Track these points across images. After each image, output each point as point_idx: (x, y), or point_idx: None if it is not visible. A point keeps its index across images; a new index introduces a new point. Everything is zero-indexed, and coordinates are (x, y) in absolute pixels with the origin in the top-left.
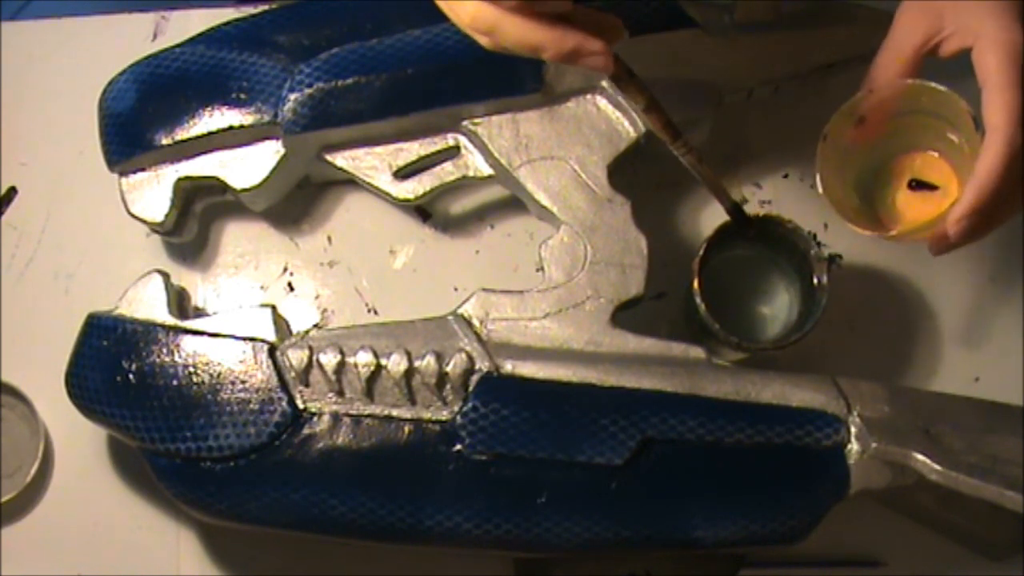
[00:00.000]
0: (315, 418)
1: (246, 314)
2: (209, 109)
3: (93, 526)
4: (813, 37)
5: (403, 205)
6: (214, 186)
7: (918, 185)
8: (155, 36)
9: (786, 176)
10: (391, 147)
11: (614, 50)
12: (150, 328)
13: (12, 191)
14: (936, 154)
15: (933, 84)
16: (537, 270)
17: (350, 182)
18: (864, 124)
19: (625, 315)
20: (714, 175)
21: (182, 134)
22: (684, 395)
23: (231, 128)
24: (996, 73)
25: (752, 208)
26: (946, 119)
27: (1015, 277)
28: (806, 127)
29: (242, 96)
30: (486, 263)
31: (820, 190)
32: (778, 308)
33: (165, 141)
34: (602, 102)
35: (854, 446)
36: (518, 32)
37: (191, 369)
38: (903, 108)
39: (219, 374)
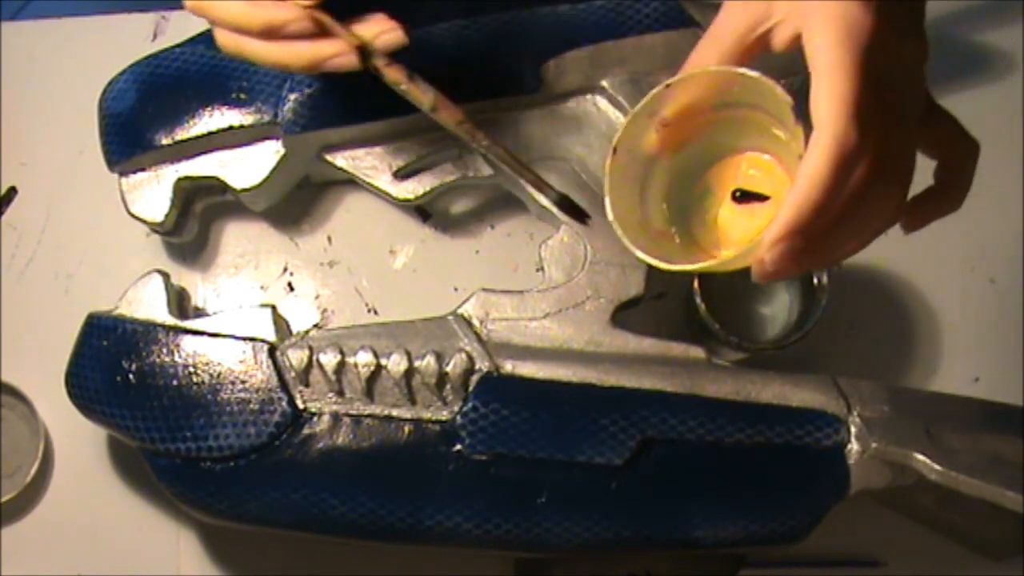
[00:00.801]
0: (315, 418)
1: (246, 314)
2: (209, 109)
3: (93, 526)
4: None
5: (403, 205)
6: (214, 186)
7: (743, 196)
8: (155, 36)
9: None
10: (391, 147)
11: (394, 53)
12: (150, 328)
13: (12, 191)
14: (766, 156)
15: (741, 70)
16: (537, 270)
17: (350, 182)
18: (669, 126)
19: (625, 315)
20: (528, 167)
21: (182, 134)
22: (684, 395)
23: (231, 128)
24: (824, 53)
25: None
26: (770, 113)
27: (1015, 277)
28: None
29: (242, 96)
30: (486, 263)
31: (610, 217)
32: (778, 308)
33: (165, 141)
34: (602, 102)
35: (854, 446)
36: (260, 54)
37: (191, 369)
38: (715, 102)
39: (219, 374)
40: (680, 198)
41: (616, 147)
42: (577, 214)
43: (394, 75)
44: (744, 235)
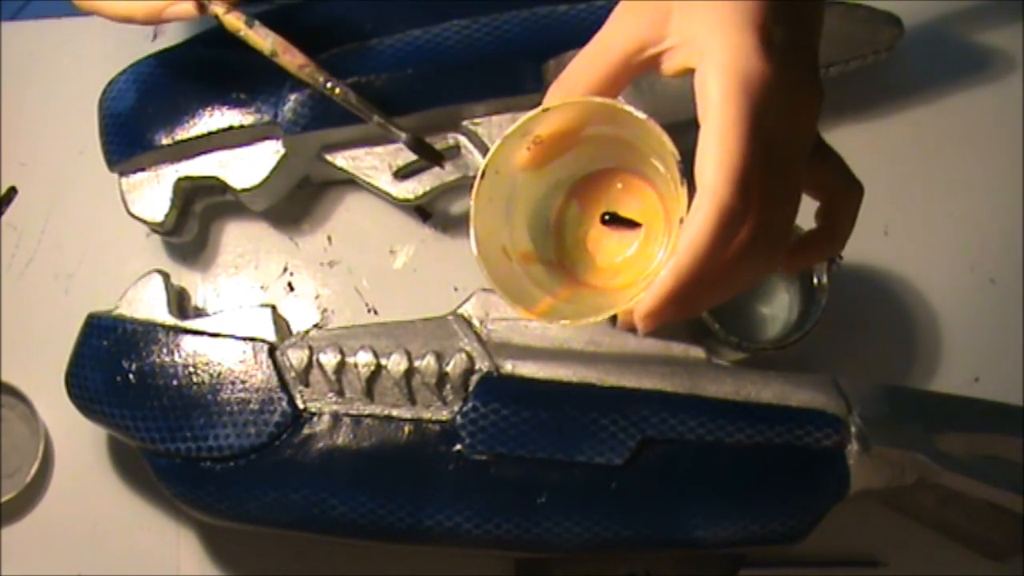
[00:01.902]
0: (315, 418)
1: (246, 314)
2: (209, 109)
3: (93, 526)
4: None
5: (403, 205)
6: (214, 186)
7: (613, 220)
8: (155, 36)
9: None
10: (391, 147)
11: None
12: (150, 328)
13: (12, 191)
14: (639, 180)
15: (630, 109)
16: None
17: (350, 182)
18: (540, 144)
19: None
20: (377, 109)
21: (182, 134)
22: (684, 395)
23: (231, 128)
24: (717, 108)
25: None
26: (650, 147)
27: (1015, 277)
28: None
29: (242, 96)
30: None
31: (473, 250)
32: (778, 308)
33: (165, 141)
34: None
35: (854, 446)
36: (107, 9)
37: (191, 369)
38: (594, 126)
39: (219, 374)
40: (546, 215)
41: (484, 170)
42: (432, 155)
43: (233, 22)
44: (610, 261)
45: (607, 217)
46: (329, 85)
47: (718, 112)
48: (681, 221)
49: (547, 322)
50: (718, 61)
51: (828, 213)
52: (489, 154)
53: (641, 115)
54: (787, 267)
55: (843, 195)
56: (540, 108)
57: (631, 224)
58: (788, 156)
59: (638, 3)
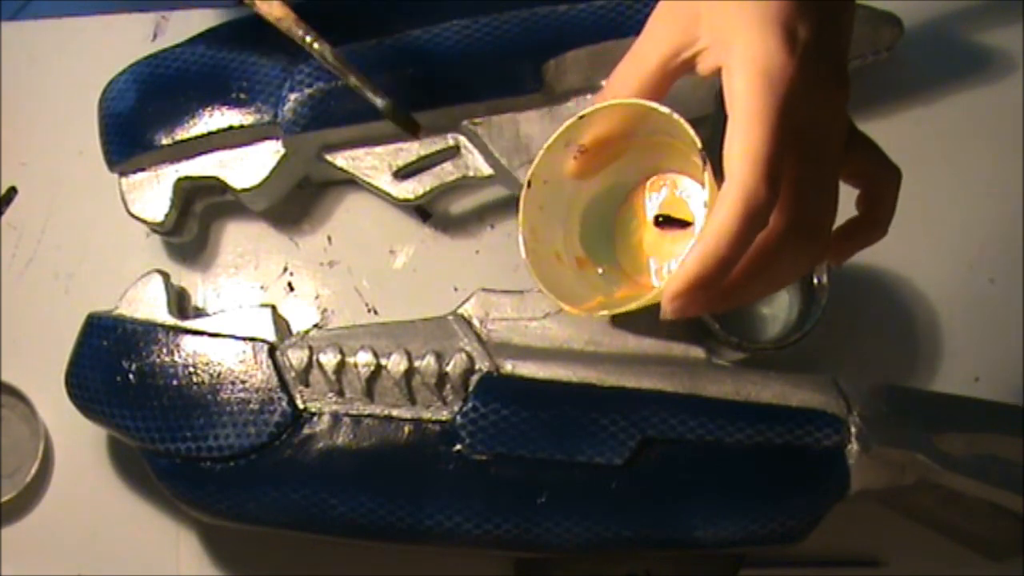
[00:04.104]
0: (315, 418)
1: (246, 314)
2: (209, 109)
3: (93, 526)
4: None
5: (403, 205)
6: (214, 186)
7: (665, 221)
8: (155, 36)
9: None
10: (391, 147)
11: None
12: (150, 328)
13: (12, 191)
14: (687, 179)
15: (653, 104)
16: None
17: (350, 182)
18: (587, 152)
19: (625, 315)
20: (356, 70)
21: (182, 134)
22: (684, 395)
23: (231, 128)
24: (743, 100)
25: None
26: (686, 144)
27: (1015, 278)
28: None
29: (242, 96)
30: (486, 263)
31: (522, 254)
32: (778, 308)
33: (165, 141)
34: None
35: (854, 446)
36: None
37: (191, 369)
38: (633, 130)
39: (219, 374)
40: (603, 222)
41: (531, 180)
42: (408, 125)
43: None
44: (667, 259)
45: (660, 219)
46: (308, 39)
47: (743, 104)
48: (707, 208)
49: (591, 315)
50: (743, 57)
51: (869, 200)
52: (533, 165)
53: (665, 110)
54: (834, 256)
55: (882, 182)
56: (576, 116)
57: (682, 224)
58: (819, 147)
59: (669, 9)
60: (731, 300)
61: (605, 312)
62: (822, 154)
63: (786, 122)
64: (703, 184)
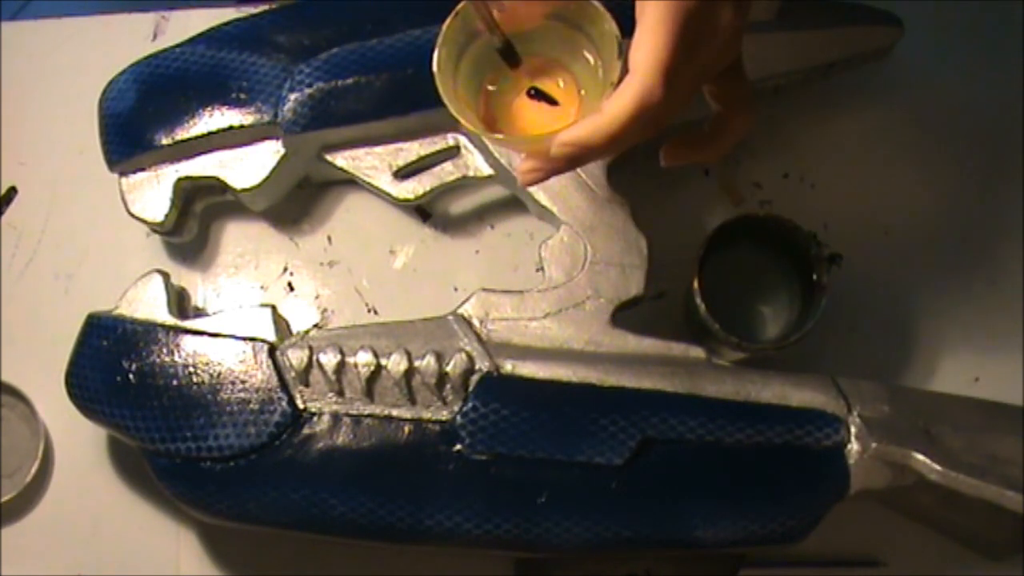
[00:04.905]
0: (315, 418)
1: (246, 314)
2: (209, 109)
3: (93, 526)
4: (813, 37)
5: (403, 205)
6: (214, 186)
7: (537, 95)
8: (155, 36)
9: (786, 176)
10: (391, 147)
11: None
12: (150, 328)
13: (12, 191)
14: (566, 71)
15: None
16: (537, 270)
17: (350, 182)
18: (503, 13)
19: (625, 315)
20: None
21: (182, 134)
22: (684, 395)
23: (231, 128)
24: (652, 11)
25: (752, 208)
26: (589, 37)
27: (1015, 278)
28: (806, 127)
29: (242, 96)
30: (486, 263)
31: (435, 68)
32: (778, 308)
33: (165, 141)
34: None
35: (854, 446)
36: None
37: (191, 369)
38: (550, 12)
39: (219, 374)
40: (482, 77)
41: (458, 12)
42: (513, 59)
43: None
44: (528, 127)
45: (532, 92)
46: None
47: (653, 13)
48: (612, 86)
49: (483, 135)
50: None
51: (718, 123)
52: (463, 3)
53: (594, 1)
54: (665, 157)
55: (737, 112)
56: None
57: (551, 101)
58: (704, 63)
59: None
60: (590, 159)
61: (500, 137)
62: (705, 68)
63: (686, 33)
64: (614, 60)
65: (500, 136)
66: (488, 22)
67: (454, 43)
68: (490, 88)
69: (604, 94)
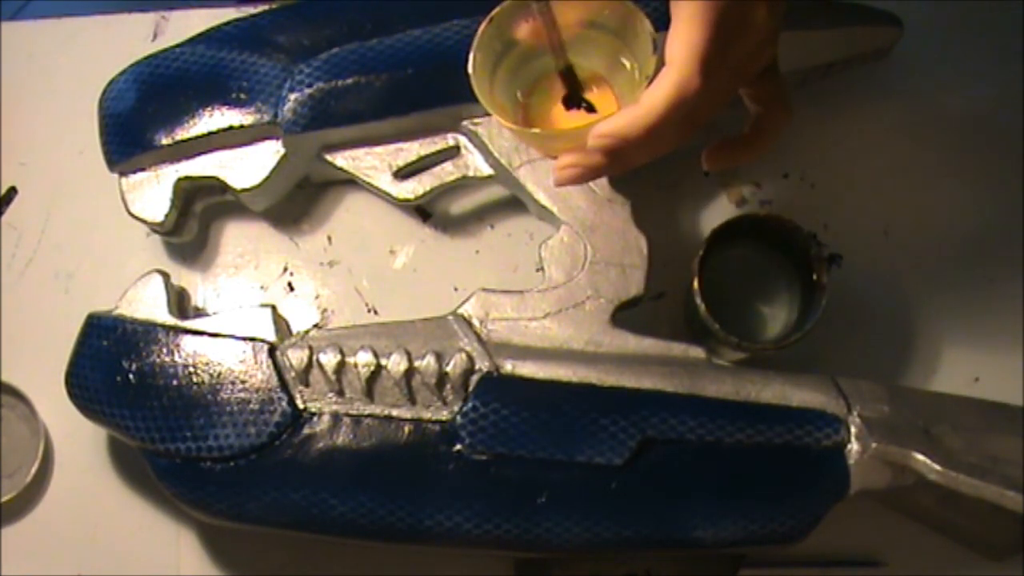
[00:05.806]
0: (315, 418)
1: (246, 314)
2: (209, 109)
3: (93, 526)
4: (813, 37)
5: (403, 205)
6: (214, 186)
7: (574, 100)
8: (155, 36)
9: (786, 176)
10: (391, 147)
11: None
12: (150, 328)
13: (12, 191)
14: (604, 83)
15: None
16: (537, 270)
17: (350, 182)
18: (536, 21)
19: (625, 315)
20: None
21: (182, 134)
22: (684, 395)
23: (231, 128)
24: (687, 5)
25: (752, 208)
26: (625, 40)
27: (1015, 277)
28: (806, 127)
29: (242, 96)
30: (486, 263)
31: (469, 69)
32: (778, 308)
33: (165, 141)
34: None
35: (854, 446)
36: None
37: (191, 369)
38: (586, 19)
39: (219, 374)
40: (522, 83)
41: (493, 17)
42: (576, 87)
43: None
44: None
45: (569, 101)
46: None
47: (687, 8)
48: (648, 79)
49: (520, 132)
50: None
51: (756, 127)
52: (499, 7)
53: (628, 2)
54: (708, 162)
55: (774, 113)
56: None
57: (589, 108)
58: (740, 59)
59: None
60: (620, 163)
61: (537, 132)
62: (741, 66)
63: (720, 28)
64: (649, 55)
65: (537, 131)
66: (554, 46)
67: (489, 49)
68: (523, 99)
69: (641, 87)
